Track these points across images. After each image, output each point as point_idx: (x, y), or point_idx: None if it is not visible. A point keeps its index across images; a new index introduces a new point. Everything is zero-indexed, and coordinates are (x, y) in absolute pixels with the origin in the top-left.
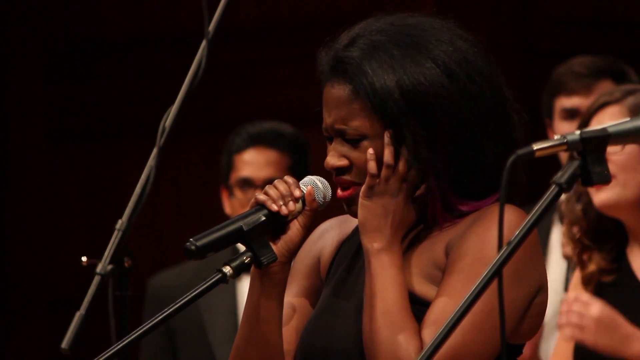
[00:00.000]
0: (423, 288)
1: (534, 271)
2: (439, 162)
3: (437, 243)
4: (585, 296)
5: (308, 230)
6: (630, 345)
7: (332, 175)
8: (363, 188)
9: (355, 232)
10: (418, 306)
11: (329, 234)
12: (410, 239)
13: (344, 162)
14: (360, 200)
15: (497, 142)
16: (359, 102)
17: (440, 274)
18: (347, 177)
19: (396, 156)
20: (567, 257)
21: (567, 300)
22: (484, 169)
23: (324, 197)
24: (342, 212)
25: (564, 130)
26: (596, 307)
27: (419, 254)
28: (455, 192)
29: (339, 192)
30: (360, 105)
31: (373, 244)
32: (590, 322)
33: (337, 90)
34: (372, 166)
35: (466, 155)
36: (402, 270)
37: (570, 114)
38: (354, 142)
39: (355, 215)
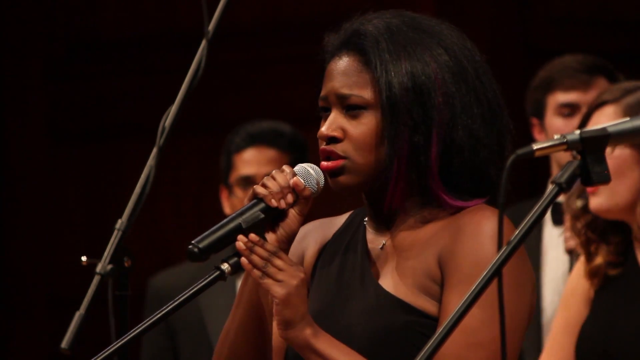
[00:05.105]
0: (418, 300)
1: (529, 273)
2: (432, 151)
3: (428, 252)
4: None
5: (305, 217)
6: None
7: (321, 146)
8: None
9: (339, 234)
10: (417, 317)
11: (312, 236)
12: (397, 239)
13: (338, 132)
14: None
15: (490, 141)
16: (368, 73)
17: (435, 287)
18: (336, 149)
19: (381, 135)
20: (570, 251)
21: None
22: (474, 167)
23: (317, 184)
24: (336, 202)
25: (559, 126)
26: None
27: (411, 262)
28: (443, 184)
29: (324, 163)
30: (368, 76)
31: None
32: None
33: (345, 61)
34: None
35: (459, 149)
36: None
37: (569, 110)
38: (355, 109)
39: (338, 186)
